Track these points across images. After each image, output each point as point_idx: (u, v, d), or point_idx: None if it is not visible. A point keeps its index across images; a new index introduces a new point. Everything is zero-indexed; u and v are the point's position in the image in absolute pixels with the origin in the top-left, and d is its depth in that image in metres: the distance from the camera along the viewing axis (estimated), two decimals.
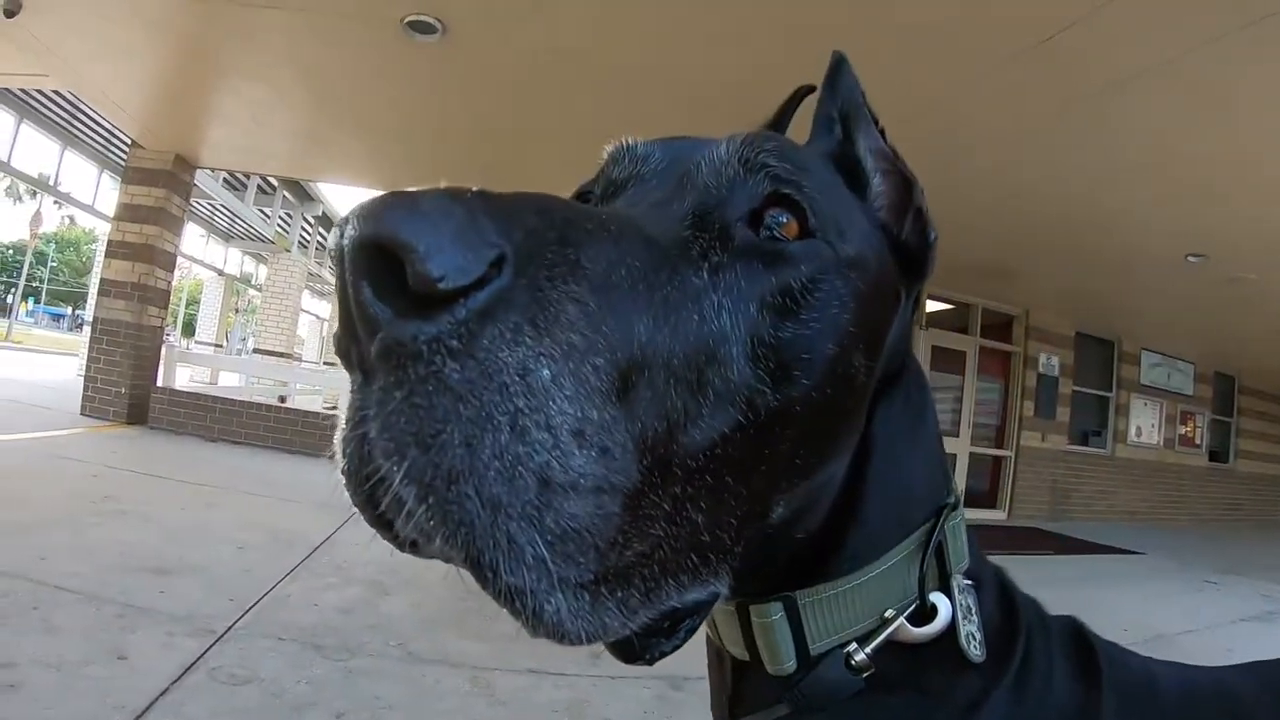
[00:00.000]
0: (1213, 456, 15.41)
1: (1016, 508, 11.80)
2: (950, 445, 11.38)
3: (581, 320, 0.42)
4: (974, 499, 11.75)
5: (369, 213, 0.39)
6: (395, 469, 0.40)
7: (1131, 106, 5.14)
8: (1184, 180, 6.34)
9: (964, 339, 11.65)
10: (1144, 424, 13.85)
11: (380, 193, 0.42)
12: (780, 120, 0.88)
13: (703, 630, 0.67)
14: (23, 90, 10.78)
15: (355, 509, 0.46)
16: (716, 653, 0.77)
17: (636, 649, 0.54)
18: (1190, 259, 8.26)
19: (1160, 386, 14.07)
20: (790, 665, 0.66)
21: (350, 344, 0.43)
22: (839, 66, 0.77)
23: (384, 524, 0.44)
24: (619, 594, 0.46)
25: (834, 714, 0.66)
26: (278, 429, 9.23)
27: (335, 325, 0.44)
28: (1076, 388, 12.58)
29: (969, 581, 0.70)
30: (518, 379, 0.40)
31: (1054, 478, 12.22)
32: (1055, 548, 9.17)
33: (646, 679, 3.34)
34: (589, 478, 0.42)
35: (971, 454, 11.70)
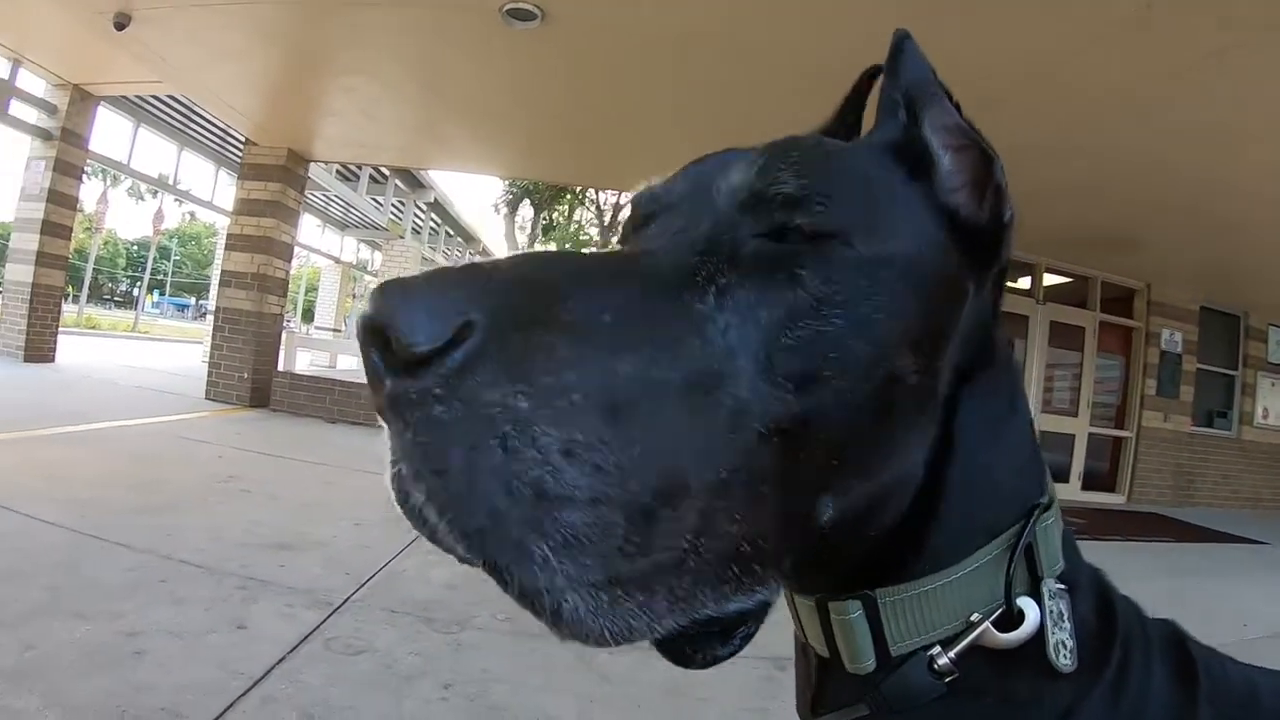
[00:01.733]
0: None
1: (1136, 491, 11.34)
2: (1068, 425, 11.05)
3: (553, 363, 0.46)
4: (1092, 481, 11.37)
5: (372, 298, 0.47)
6: (419, 495, 0.46)
7: (1261, 66, 4.88)
8: None
9: (1083, 314, 11.23)
10: (1272, 405, 13.01)
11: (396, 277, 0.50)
12: (851, 102, 0.86)
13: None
14: (138, 96, 11.34)
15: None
16: (802, 648, 0.76)
17: (688, 654, 0.58)
18: None
19: None
20: (869, 664, 0.65)
21: (378, 400, 0.48)
22: (900, 46, 0.72)
23: (435, 541, 0.49)
24: (640, 598, 0.48)
25: (915, 718, 0.65)
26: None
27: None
28: (1200, 365, 11.94)
29: (1062, 586, 0.66)
30: (499, 411, 0.44)
31: (1176, 461, 11.68)
32: (1176, 535, 8.79)
33: (753, 659, 3.33)
34: (583, 490, 0.45)
35: (1090, 434, 11.30)
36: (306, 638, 2.98)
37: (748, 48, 5.58)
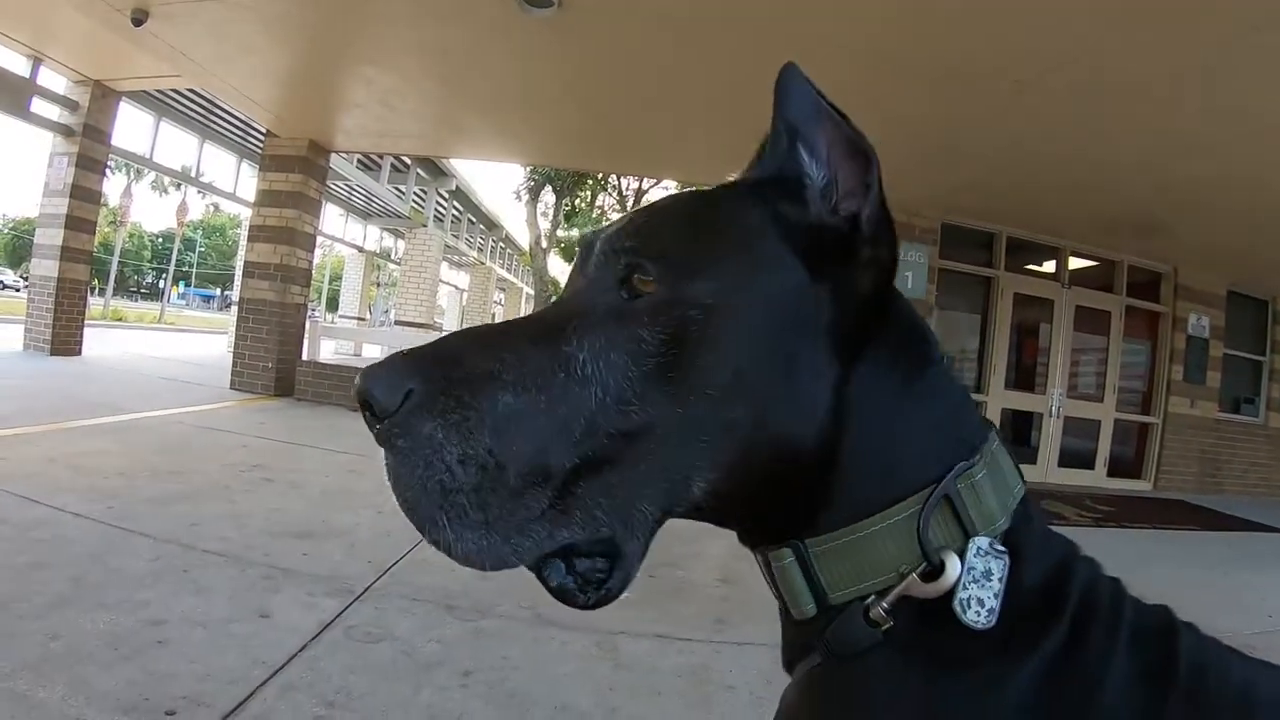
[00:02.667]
0: None
1: (1163, 478, 11.22)
2: (1094, 411, 10.99)
3: (457, 404, 0.67)
4: (1118, 468, 11.28)
5: (359, 378, 0.68)
6: (395, 491, 0.67)
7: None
8: None
9: (1109, 298, 11.11)
10: None
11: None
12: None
13: None
14: (159, 91, 11.40)
15: None
16: (779, 609, 0.83)
17: (574, 595, 0.70)
18: None
19: None
20: (810, 608, 0.74)
21: (372, 433, 0.69)
22: (781, 80, 0.79)
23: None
24: (510, 538, 0.66)
25: (861, 667, 0.70)
26: None
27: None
28: (1228, 351, 11.77)
29: (1001, 548, 0.69)
30: (427, 440, 0.66)
31: (1202, 447, 11.54)
32: (1202, 523, 8.67)
33: (773, 647, 3.29)
34: (470, 482, 0.66)
35: (1116, 420, 11.21)
36: (328, 626, 3.00)
37: (771, 27, 5.53)
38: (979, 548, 0.69)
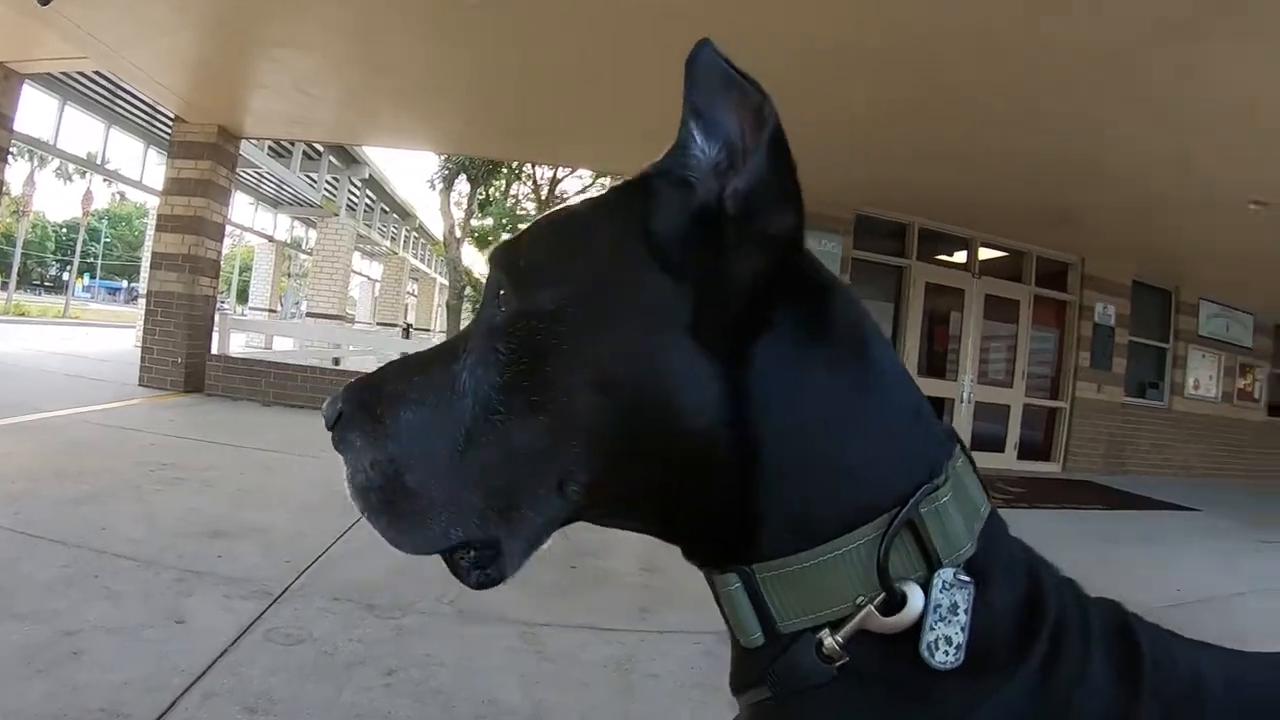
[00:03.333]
0: (1272, 411, 14.96)
1: (1071, 460, 11.64)
2: (1004, 396, 11.30)
3: (371, 419, 0.76)
4: (1028, 451, 11.64)
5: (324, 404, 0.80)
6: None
7: (1204, 51, 5.02)
8: (1250, 127, 6.16)
9: (1018, 287, 11.48)
10: (1202, 376, 13.54)
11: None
12: None
13: None
14: (64, 73, 10.91)
15: None
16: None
17: (462, 574, 0.75)
18: (1253, 206, 8.01)
19: (1219, 338, 13.70)
20: (757, 637, 0.68)
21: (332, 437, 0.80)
22: (689, 59, 0.72)
23: None
24: (418, 530, 0.73)
25: (811, 705, 0.65)
26: (332, 391, 9.23)
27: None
28: (1133, 338, 12.29)
29: (965, 578, 0.64)
30: (351, 445, 0.76)
31: (1109, 430, 12.00)
32: (1109, 503, 9.02)
33: (696, 634, 3.37)
34: (376, 479, 0.74)
35: (1026, 405, 11.57)
36: (247, 629, 2.94)
37: (683, 14, 5.55)
38: (944, 581, 0.64)
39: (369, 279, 30.13)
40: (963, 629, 0.62)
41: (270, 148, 14.61)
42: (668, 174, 0.71)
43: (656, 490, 0.71)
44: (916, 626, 0.63)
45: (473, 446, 0.73)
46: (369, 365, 13.93)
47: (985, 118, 6.74)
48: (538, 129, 9.27)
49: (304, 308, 22.65)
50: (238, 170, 10.84)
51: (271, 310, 22.93)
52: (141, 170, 15.78)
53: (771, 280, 0.67)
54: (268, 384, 9.42)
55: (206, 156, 9.46)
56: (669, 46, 5.09)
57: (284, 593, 3.33)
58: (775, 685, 0.67)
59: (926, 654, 0.62)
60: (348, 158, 17.75)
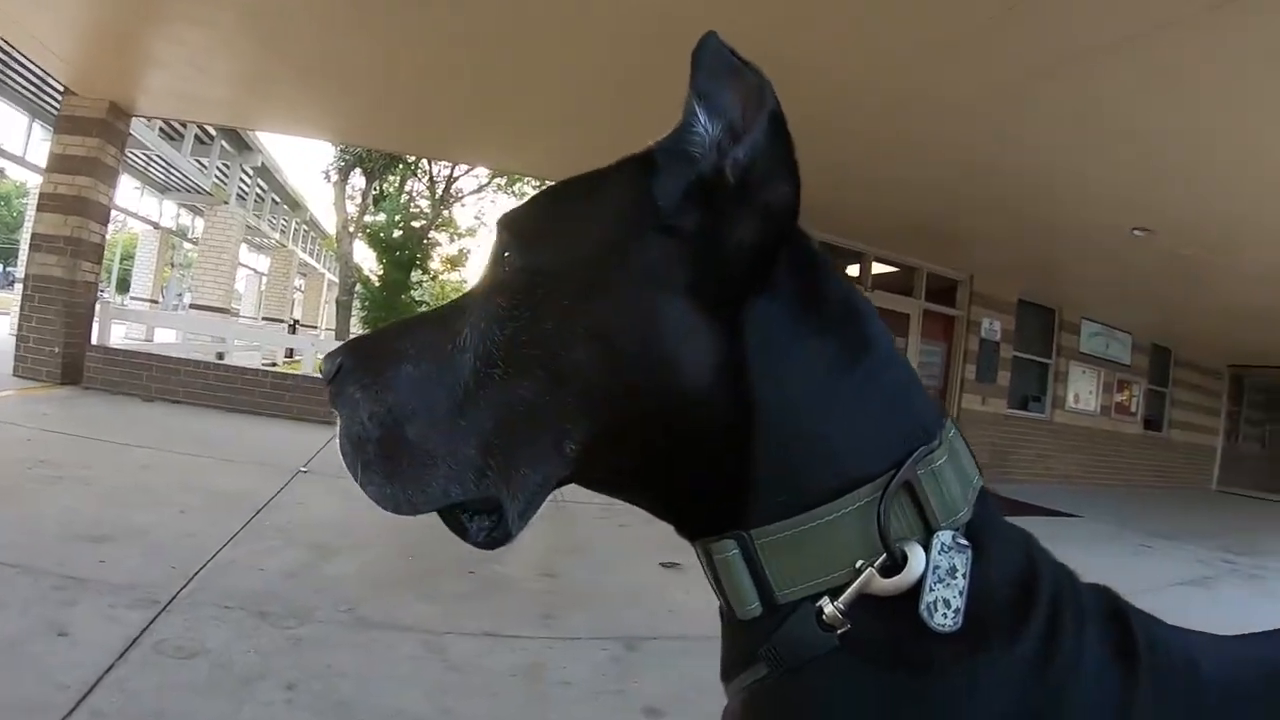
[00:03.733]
0: (1147, 425, 15.82)
1: None
2: None
3: (370, 372, 0.76)
4: None
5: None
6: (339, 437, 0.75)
7: (1090, 81, 5.22)
8: (1136, 156, 6.45)
9: (909, 301, 11.79)
10: (1082, 391, 14.16)
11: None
12: None
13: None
14: None
15: None
16: (720, 610, 0.76)
17: (465, 530, 0.75)
18: (1136, 232, 8.42)
19: (1099, 355, 14.37)
20: (754, 607, 0.67)
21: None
22: (696, 48, 0.73)
23: None
24: (411, 487, 0.72)
25: (814, 679, 0.64)
26: (216, 387, 9.08)
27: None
28: (1017, 353, 12.80)
29: (964, 542, 0.65)
30: (350, 398, 0.75)
31: (993, 441, 12.40)
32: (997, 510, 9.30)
33: (603, 640, 3.36)
34: (374, 431, 0.73)
35: None
36: (134, 641, 2.76)
37: (594, 25, 5.54)
38: (943, 543, 0.64)
39: (256, 272, 29.19)
40: (961, 593, 0.63)
41: (161, 128, 14.04)
42: (671, 149, 0.72)
43: (654, 451, 0.71)
44: (916, 590, 0.62)
45: (472, 401, 0.73)
46: (254, 361, 13.56)
47: (874, 144, 7.00)
48: (438, 123, 9.19)
49: (187, 300, 21.80)
50: (127, 151, 10.36)
51: (153, 301, 22.04)
52: (25, 146, 14.90)
53: (769, 249, 0.69)
54: (149, 378, 8.99)
55: (95, 133, 8.95)
56: (565, 45, 5.10)
57: (172, 601, 3.15)
58: (773, 660, 0.66)
59: (926, 614, 0.61)
60: (241, 143, 17.23)
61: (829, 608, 0.63)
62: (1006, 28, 4.67)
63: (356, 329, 21.90)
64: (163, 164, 16.50)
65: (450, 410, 0.73)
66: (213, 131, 15.39)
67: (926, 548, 0.63)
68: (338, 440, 0.75)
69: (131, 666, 2.58)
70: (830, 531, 0.65)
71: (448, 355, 0.75)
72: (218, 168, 17.22)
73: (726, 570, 0.69)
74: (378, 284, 21.30)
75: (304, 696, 2.58)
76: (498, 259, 0.79)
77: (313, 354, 11.02)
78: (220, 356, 13.43)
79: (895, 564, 0.63)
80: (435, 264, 23.73)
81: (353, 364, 0.78)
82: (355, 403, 0.75)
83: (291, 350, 18.72)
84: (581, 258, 0.73)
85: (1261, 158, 6.08)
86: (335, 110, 9.26)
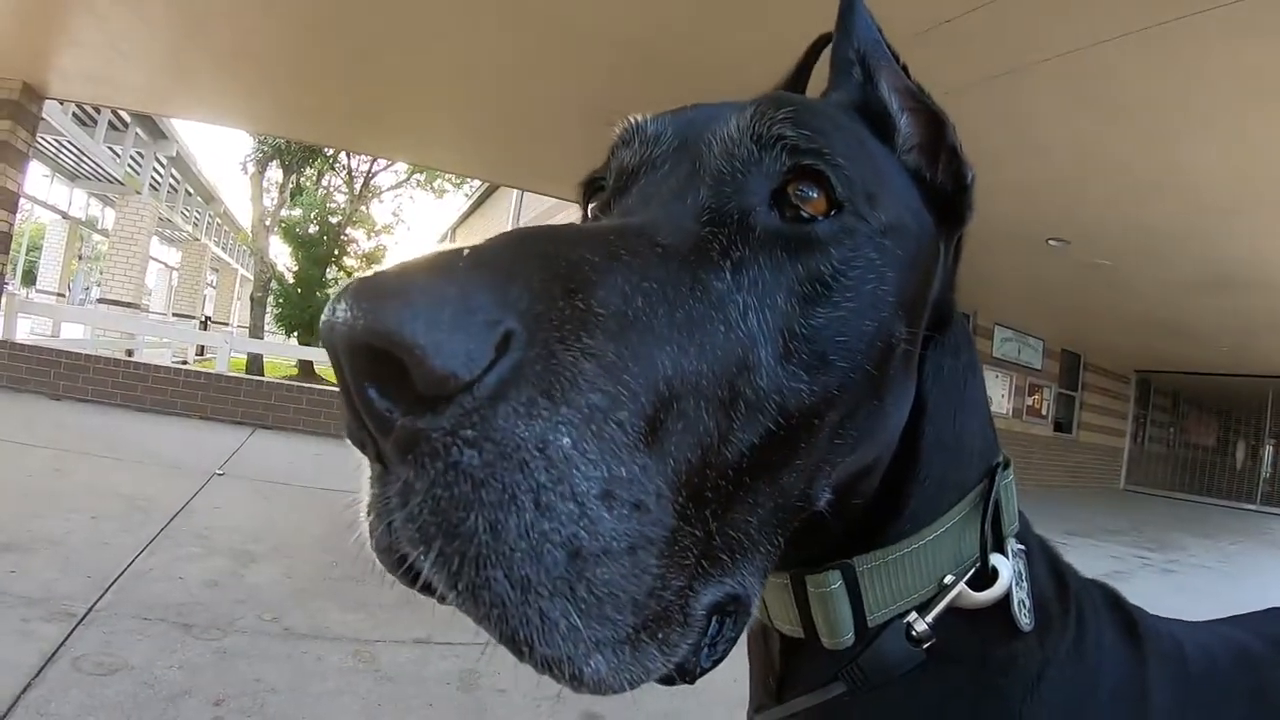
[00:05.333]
0: (1058, 427, 16.44)
1: None
2: None
3: (601, 376, 0.40)
4: None
5: (360, 307, 0.37)
6: (423, 557, 0.40)
7: (1013, 96, 5.36)
8: (1055, 169, 6.65)
9: None
10: (994, 394, 14.53)
11: (375, 272, 0.40)
12: (800, 76, 0.84)
13: None
14: None
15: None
16: (762, 631, 0.73)
17: (685, 673, 0.50)
18: (1052, 243, 8.74)
19: (1011, 359, 14.83)
20: (849, 638, 0.64)
21: (364, 437, 0.41)
22: (851, 5, 0.71)
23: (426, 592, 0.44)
24: (660, 635, 0.44)
25: (899, 692, 0.64)
26: (126, 385, 8.76)
27: (344, 413, 0.42)
28: None
29: (1021, 546, 0.68)
30: (537, 454, 0.38)
31: None
32: None
33: None
34: (622, 539, 0.41)
35: None
36: (51, 658, 2.62)
37: (527, 16, 5.49)
38: (1014, 550, 0.67)
39: (167, 266, 28.36)
40: (1029, 594, 0.66)
41: (75, 113, 13.53)
42: (870, 118, 0.68)
43: (849, 485, 0.61)
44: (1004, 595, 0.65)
45: (753, 427, 0.49)
46: (165, 359, 13.14)
47: None
48: (358, 115, 9.02)
49: (95, 294, 21.06)
50: (37, 136, 9.93)
51: (60, 295, 21.31)
52: None
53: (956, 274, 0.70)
54: (57, 375, 8.62)
55: (5, 114, 8.53)
56: (504, 42, 5.03)
57: (89, 613, 3.02)
58: (856, 680, 0.63)
59: (1018, 613, 0.64)
60: (156, 131, 16.74)
61: (920, 625, 0.63)
62: (930, 44, 4.74)
63: (271, 328, 21.32)
64: (74, 150, 15.92)
65: (729, 449, 0.48)
66: (127, 118, 14.90)
67: (1004, 556, 0.66)
68: (449, 558, 0.40)
69: (50, 686, 2.45)
70: (930, 551, 0.65)
71: (719, 341, 0.48)
72: (131, 156, 16.70)
73: (827, 602, 0.63)
74: (293, 281, 20.80)
75: (233, 713, 2.50)
76: (775, 192, 0.56)
77: (227, 351, 10.71)
78: (130, 353, 13.00)
79: (984, 575, 0.65)
80: (351, 261, 23.32)
81: (540, 353, 0.39)
82: (546, 458, 0.39)
83: (203, 348, 18.26)
84: (905, 233, 0.60)
85: (1180, 172, 6.29)
86: (254, 98, 9.05)
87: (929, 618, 0.62)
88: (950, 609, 0.63)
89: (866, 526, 0.64)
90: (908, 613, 0.63)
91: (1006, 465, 0.70)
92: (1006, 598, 0.64)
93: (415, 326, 0.36)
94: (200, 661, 2.81)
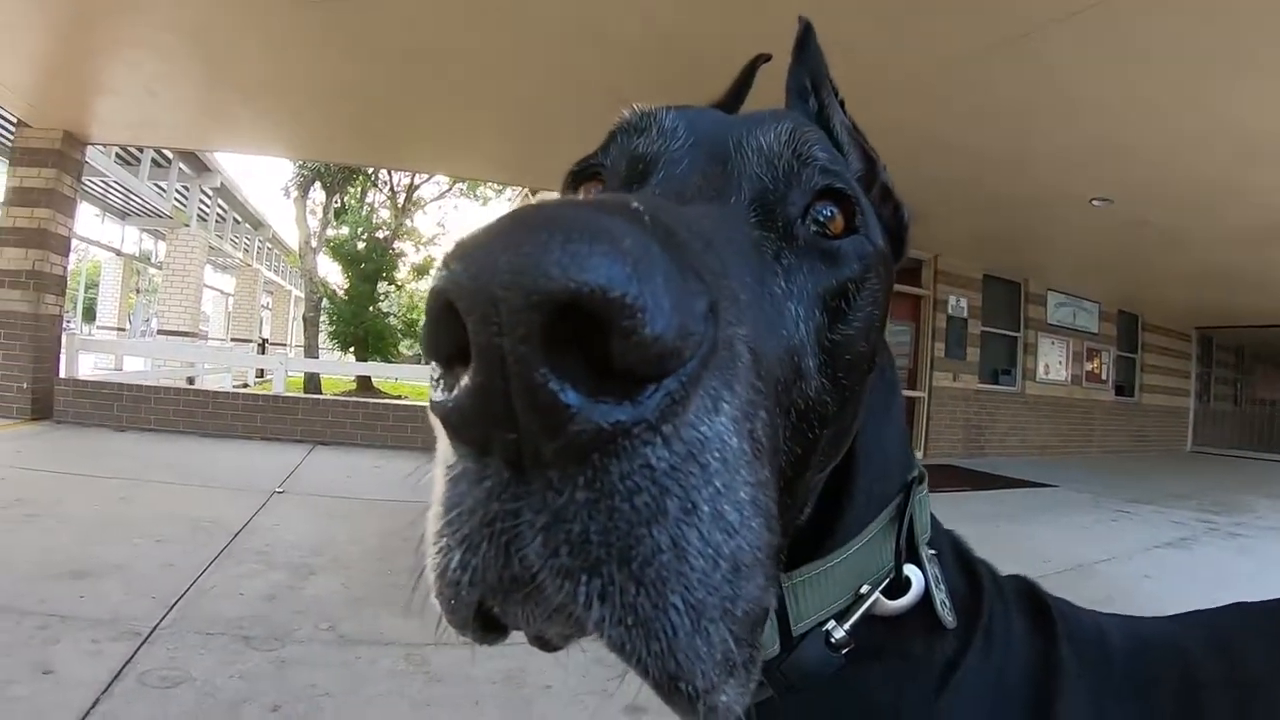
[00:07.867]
0: (1119, 391, 16.05)
1: (931, 446, 12.12)
2: None
3: (753, 369, 0.38)
4: None
5: (549, 254, 0.30)
6: (577, 592, 0.34)
7: (1045, 54, 5.26)
8: (1093, 127, 6.51)
9: None
10: (1052, 361, 14.33)
11: (497, 217, 0.33)
12: (738, 92, 0.86)
13: None
14: None
15: (450, 624, 0.42)
16: None
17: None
18: (1095, 203, 8.54)
19: (1067, 325, 14.55)
20: (774, 649, 0.64)
21: (492, 429, 0.34)
22: (807, 33, 0.75)
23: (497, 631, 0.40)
24: (755, 654, 0.41)
25: (816, 691, 0.66)
26: (187, 412, 8.98)
27: (456, 400, 0.34)
28: (985, 328, 12.95)
29: (933, 551, 0.71)
30: (716, 456, 0.35)
31: (966, 416, 12.59)
32: (972, 484, 9.43)
33: (583, 642, 3.35)
34: (763, 549, 0.37)
35: None
36: (119, 674, 2.77)
37: (543, 26, 5.55)
38: (928, 555, 0.69)
39: (222, 293, 28.91)
40: (946, 594, 0.69)
41: (118, 154, 13.88)
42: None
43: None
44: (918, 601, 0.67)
45: (801, 431, 0.51)
46: (225, 384, 13.37)
47: None
48: (391, 134, 9.15)
49: (154, 325, 21.50)
50: (83, 179, 10.26)
51: (120, 329, 21.80)
52: None
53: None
54: (120, 408, 8.91)
55: (51, 164, 8.87)
56: (522, 53, 5.05)
57: (153, 632, 3.16)
58: (780, 685, 0.63)
59: (941, 611, 0.67)
60: (199, 165, 17.02)
61: (839, 632, 0.65)
62: (953, 10, 4.71)
63: (325, 346, 21.57)
64: (121, 190, 16.30)
65: (781, 456, 0.46)
66: (169, 154, 15.21)
67: (918, 563, 0.68)
68: (607, 587, 0.34)
69: (117, 700, 2.59)
70: (849, 564, 0.66)
71: (788, 343, 0.49)
72: (176, 190, 16.99)
73: None
74: (344, 297, 21.03)
75: (289, 718, 2.60)
76: (807, 208, 0.57)
77: (283, 372, 10.92)
78: (190, 381, 13.32)
79: (899, 584, 0.67)
80: (401, 274, 23.48)
81: (724, 339, 0.36)
82: (739, 460, 0.36)
83: (262, 370, 18.55)
84: (888, 255, 0.66)
85: (1225, 123, 6.15)
86: (287, 127, 9.21)
87: (846, 625, 0.65)
88: (869, 616, 0.66)
89: (803, 540, 0.64)
90: (827, 621, 0.65)
91: (921, 480, 0.72)
92: (929, 600, 0.67)
93: (630, 281, 0.30)
94: (259, 671, 2.92)
